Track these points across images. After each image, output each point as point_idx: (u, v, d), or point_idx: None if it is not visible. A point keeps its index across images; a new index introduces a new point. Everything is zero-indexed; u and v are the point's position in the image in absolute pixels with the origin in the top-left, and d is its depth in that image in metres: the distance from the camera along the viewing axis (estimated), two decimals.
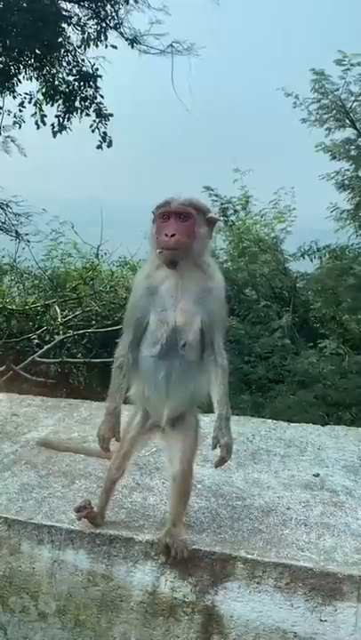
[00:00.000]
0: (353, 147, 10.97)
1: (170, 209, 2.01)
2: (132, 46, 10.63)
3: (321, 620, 2.07)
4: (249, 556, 2.13)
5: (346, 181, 11.14)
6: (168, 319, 2.05)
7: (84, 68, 10.66)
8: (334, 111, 10.86)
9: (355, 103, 10.61)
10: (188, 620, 2.19)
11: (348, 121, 10.78)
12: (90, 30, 10.48)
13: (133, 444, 2.28)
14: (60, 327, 10.12)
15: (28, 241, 10.73)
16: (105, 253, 11.75)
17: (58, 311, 10.42)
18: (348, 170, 11.17)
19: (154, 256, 2.11)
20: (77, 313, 10.58)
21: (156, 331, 2.07)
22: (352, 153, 10.91)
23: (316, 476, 2.74)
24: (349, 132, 10.97)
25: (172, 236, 1.97)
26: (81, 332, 10.17)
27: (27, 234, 10.73)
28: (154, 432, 2.28)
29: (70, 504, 2.44)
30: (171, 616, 2.20)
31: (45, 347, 9.51)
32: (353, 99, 10.57)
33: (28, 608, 2.35)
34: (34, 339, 9.91)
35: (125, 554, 2.24)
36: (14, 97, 10.53)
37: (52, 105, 10.59)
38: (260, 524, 2.34)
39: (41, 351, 9.37)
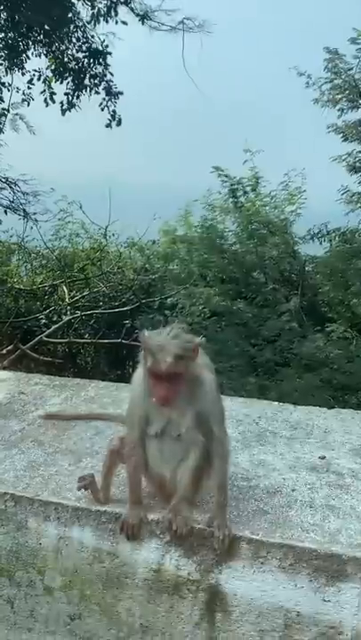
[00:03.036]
0: None
1: (161, 373, 2.12)
2: (143, 22, 10.45)
3: (324, 601, 2.08)
4: (254, 537, 2.15)
5: (358, 163, 10.99)
6: (164, 414, 2.24)
7: (93, 45, 10.50)
8: (347, 91, 10.68)
9: None
10: (193, 597, 2.21)
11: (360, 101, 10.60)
12: (100, 5, 10.29)
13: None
14: (68, 307, 10.12)
15: (36, 220, 10.68)
16: (113, 234, 11.70)
17: (66, 291, 10.42)
18: (360, 152, 11.01)
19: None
20: (85, 293, 10.58)
21: (154, 423, 2.27)
22: None
23: (322, 458, 2.74)
24: None
25: (166, 397, 2.16)
26: (88, 312, 10.18)
27: (35, 213, 10.68)
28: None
29: (76, 482, 2.46)
30: (175, 593, 2.23)
31: (53, 327, 9.53)
32: None
33: (34, 582, 2.38)
34: (41, 319, 9.93)
35: None
36: (23, 74, 10.41)
37: (62, 82, 10.46)
38: (265, 505, 2.34)
39: (48, 331, 9.40)
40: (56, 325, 9.57)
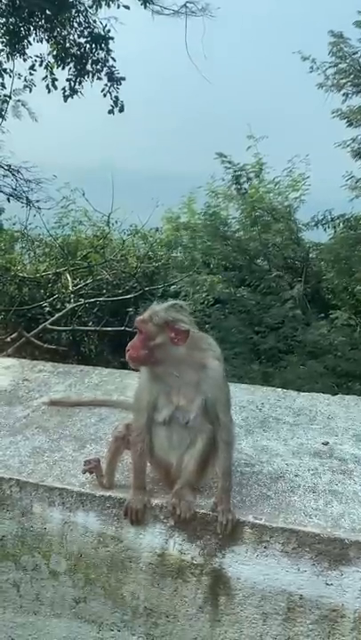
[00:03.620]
0: None
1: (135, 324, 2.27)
2: (145, 6, 10.33)
3: (327, 584, 2.10)
4: (257, 522, 2.16)
5: None
6: (173, 400, 2.27)
7: (95, 30, 10.39)
8: (352, 76, 10.56)
9: None
10: (196, 581, 2.23)
11: None
12: None
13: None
14: (72, 295, 10.14)
15: (39, 208, 10.67)
16: (116, 222, 11.66)
17: (69, 279, 10.42)
18: None
19: None
20: (88, 281, 10.58)
21: (161, 410, 2.29)
22: None
23: (326, 444, 2.74)
24: None
25: (128, 350, 2.25)
26: (92, 300, 10.19)
27: (37, 200, 10.67)
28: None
29: (81, 467, 2.48)
30: (179, 577, 2.25)
31: (57, 315, 9.55)
32: None
33: (39, 566, 2.41)
34: (45, 306, 9.95)
35: None
36: (24, 60, 10.33)
37: (63, 68, 10.37)
38: (268, 490, 2.36)
39: (52, 319, 9.42)
40: (60, 313, 9.60)
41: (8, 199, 10.48)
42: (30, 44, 10.26)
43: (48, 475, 2.44)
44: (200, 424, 2.26)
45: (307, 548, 2.10)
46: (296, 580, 2.12)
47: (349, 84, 10.61)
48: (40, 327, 9.18)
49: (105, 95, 10.42)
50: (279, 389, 3.46)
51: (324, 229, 11.60)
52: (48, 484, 2.38)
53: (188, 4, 10.41)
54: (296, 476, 2.47)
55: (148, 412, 2.30)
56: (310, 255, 11.43)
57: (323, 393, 3.49)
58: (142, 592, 2.30)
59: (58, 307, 9.92)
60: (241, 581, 2.18)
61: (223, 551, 2.20)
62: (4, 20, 10.06)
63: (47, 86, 10.43)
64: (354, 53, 10.36)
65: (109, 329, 9.68)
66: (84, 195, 11.15)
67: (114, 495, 2.31)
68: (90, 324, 10.28)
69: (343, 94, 10.68)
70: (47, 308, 9.90)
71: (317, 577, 2.11)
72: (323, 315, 10.09)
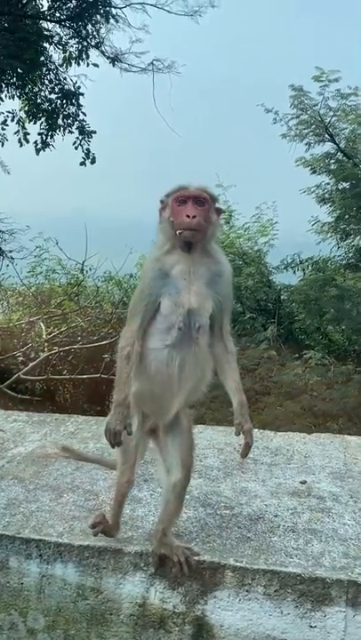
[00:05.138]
0: (333, 161, 11.21)
1: (188, 193, 2.02)
2: (114, 64, 10.80)
3: (311, 627, 2.07)
4: (238, 564, 2.14)
5: (326, 195, 11.36)
6: (183, 302, 2.01)
7: (66, 86, 10.77)
8: (313, 126, 11.09)
9: (333, 118, 10.84)
10: (179, 630, 2.18)
11: (327, 135, 11.02)
12: (71, 49, 10.63)
13: (137, 452, 2.22)
14: (46, 344, 10.06)
15: (12, 258, 10.71)
16: (90, 269, 11.75)
17: (43, 328, 10.36)
18: (328, 183, 11.40)
19: (163, 241, 2.11)
20: (63, 329, 10.53)
21: (170, 315, 2.01)
22: (332, 167, 11.14)
23: (303, 483, 2.76)
24: (329, 147, 11.24)
25: (194, 217, 1.98)
26: (66, 348, 10.12)
27: (10, 251, 10.72)
28: (154, 436, 2.25)
29: (58, 517, 2.44)
30: (161, 627, 2.19)
31: (30, 364, 9.44)
32: (331, 114, 10.81)
33: (16, 625, 2.32)
34: (19, 356, 9.83)
35: (115, 565, 2.23)
36: None
37: (35, 123, 10.66)
38: (248, 532, 2.34)
39: (26, 369, 9.30)
40: (33, 362, 9.48)
41: None
42: (2, 101, 10.55)
43: (25, 526, 2.38)
44: (181, 424, 2.14)
45: (289, 590, 2.09)
46: (280, 623, 2.09)
47: (311, 133, 11.15)
48: (14, 377, 9.05)
49: (76, 148, 10.72)
50: (256, 430, 3.47)
51: (294, 272, 11.94)
52: (25, 536, 2.32)
53: (154, 62, 10.91)
54: (276, 516, 2.47)
55: (145, 317, 2.03)
56: (282, 297, 11.69)
57: (300, 432, 3.52)
58: None
59: (32, 356, 9.82)
60: (224, 629, 2.14)
61: (205, 597, 2.16)
62: None
63: (19, 140, 10.68)
64: (314, 105, 10.92)
65: (85, 376, 9.59)
66: (57, 244, 11.25)
67: (92, 544, 2.27)
68: (65, 372, 10.17)
69: (306, 144, 11.21)
70: (20, 358, 9.78)
71: (301, 619, 2.08)
72: (297, 355, 10.23)
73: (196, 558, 2.15)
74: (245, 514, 2.48)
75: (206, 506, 2.54)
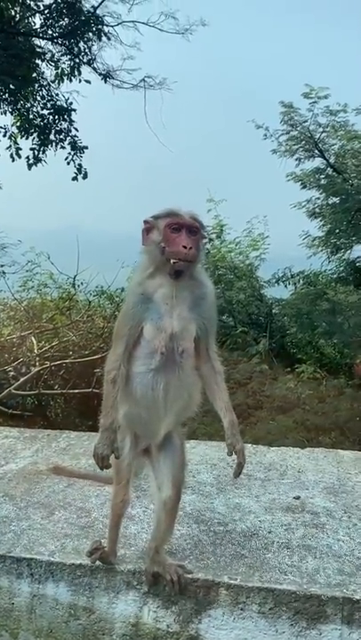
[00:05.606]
0: (322, 176, 11.34)
1: (182, 221, 2.00)
2: (106, 81, 10.88)
3: None
4: (232, 582, 2.12)
5: (316, 209, 11.47)
6: (165, 327, 2.00)
7: (58, 102, 10.83)
8: (303, 142, 11.23)
9: (323, 134, 10.98)
10: None
11: (317, 151, 11.15)
12: (63, 66, 10.69)
13: (130, 471, 2.19)
14: (37, 358, 10.00)
15: (4, 272, 10.70)
16: (82, 283, 11.74)
17: (34, 342, 10.30)
18: (318, 198, 11.52)
19: (147, 264, 2.08)
20: (54, 344, 10.48)
21: (152, 340, 2.00)
22: (322, 182, 11.26)
23: (297, 498, 2.74)
24: (318, 162, 11.37)
25: (190, 249, 1.97)
26: (58, 362, 10.06)
27: (2, 265, 10.71)
28: (147, 454, 2.23)
29: (50, 535, 2.40)
30: None
31: (22, 379, 9.37)
32: (321, 130, 10.95)
33: None
34: (10, 371, 9.76)
35: (107, 584, 2.20)
36: None
37: (27, 138, 10.70)
38: (242, 549, 2.32)
39: (17, 383, 9.22)
40: (25, 377, 9.42)
41: None
42: None
43: (16, 545, 2.35)
44: (173, 443, 2.13)
45: (284, 607, 2.06)
46: None
47: (301, 149, 11.28)
48: (5, 392, 8.97)
49: (68, 163, 10.75)
50: (249, 445, 3.46)
51: (285, 286, 12.01)
52: (16, 555, 2.29)
53: (146, 79, 11.02)
54: (269, 532, 2.45)
55: (129, 341, 2.02)
56: (273, 311, 11.73)
57: (293, 447, 3.51)
58: None
59: (23, 371, 9.75)
60: None
61: (199, 616, 2.13)
62: None
63: (11, 155, 10.71)
64: (304, 121, 11.06)
65: (77, 391, 9.53)
66: (49, 258, 11.25)
67: (84, 563, 2.24)
68: (56, 387, 10.10)
69: (296, 159, 11.33)
70: (12, 373, 9.71)
71: (296, 638, 2.05)
72: (289, 369, 10.24)
73: (189, 576, 2.13)
74: (239, 530, 2.46)
75: (200, 522, 2.52)
